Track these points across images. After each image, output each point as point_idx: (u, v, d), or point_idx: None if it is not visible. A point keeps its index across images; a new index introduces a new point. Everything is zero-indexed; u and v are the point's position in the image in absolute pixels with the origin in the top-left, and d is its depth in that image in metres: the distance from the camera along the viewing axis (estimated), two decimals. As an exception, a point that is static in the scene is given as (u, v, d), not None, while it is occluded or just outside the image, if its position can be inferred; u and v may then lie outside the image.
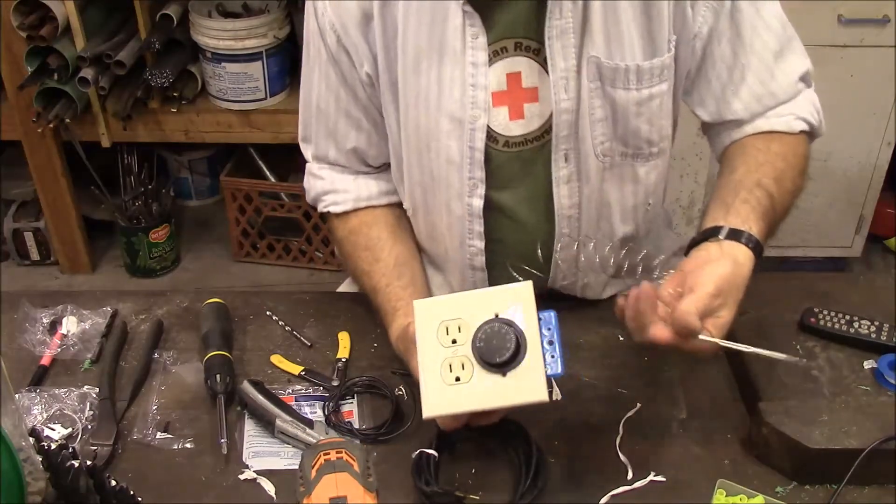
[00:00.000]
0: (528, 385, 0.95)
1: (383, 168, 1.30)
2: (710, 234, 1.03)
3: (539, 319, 0.96)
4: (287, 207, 2.82)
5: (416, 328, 0.99)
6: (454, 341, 0.97)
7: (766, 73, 1.16)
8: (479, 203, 1.19)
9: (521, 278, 1.06)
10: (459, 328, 0.97)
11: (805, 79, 1.20)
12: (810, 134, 1.20)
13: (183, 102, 2.60)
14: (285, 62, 2.64)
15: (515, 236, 1.24)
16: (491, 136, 1.16)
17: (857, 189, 2.66)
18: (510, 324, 0.95)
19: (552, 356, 0.95)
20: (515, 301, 0.97)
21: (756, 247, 1.01)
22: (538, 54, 1.13)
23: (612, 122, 1.15)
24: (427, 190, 1.23)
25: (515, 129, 1.16)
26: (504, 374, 0.95)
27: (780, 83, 1.17)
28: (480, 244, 1.23)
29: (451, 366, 0.96)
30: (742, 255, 1.00)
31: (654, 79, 1.13)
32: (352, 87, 1.21)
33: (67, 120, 2.52)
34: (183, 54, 2.59)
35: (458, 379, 0.96)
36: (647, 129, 1.17)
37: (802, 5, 2.35)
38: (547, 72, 1.12)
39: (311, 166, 1.32)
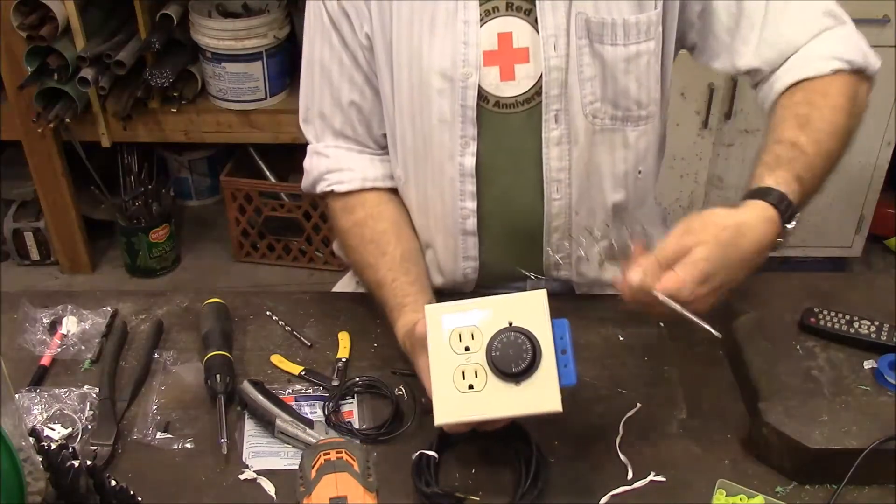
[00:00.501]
0: (542, 395, 0.95)
1: (386, 150, 1.30)
2: None
3: (552, 328, 0.96)
4: (287, 207, 2.82)
5: (428, 334, 0.99)
6: (467, 348, 0.97)
7: (778, 16, 1.15)
8: (471, 161, 1.21)
9: (528, 275, 1.06)
10: (472, 335, 0.97)
11: (834, 14, 1.16)
12: (857, 71, 1.14)
13: (183, 102, 2.60)
14: (285, 62, 2.64)
15: (505, 203, 1.25)
16: (482, 95, 1.18)
17: (857, 189, 2.66)
18: (525, 333, 0.95)
19: (565, 365, 0.95)
20: (529, 309, 0.97)
21: (770, 195, 0.99)
22: (529, 14, 1.16)
23: (601, 81, 1.17)
24: (419, 154, 1.24)
25: (507, 89, 1.18)
26: (518, 384, 0.95)
27: (792, 26, 1.15)
28: (472, 205, 1.24)
29: (464, 373, 0.96)
30: (748, 204, 0.99)
31: (642, 35, 1.15)
32: (353, 51, 1.23)
33: (67, 120, 2.52)
34: (183, 54, 2.59)
35: (471, 387, 0.96)
36: (635, 89, 1.18)
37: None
38: (538, 32, 1.15)
39: (316, 146, 1.31)
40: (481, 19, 1.16)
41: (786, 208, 1.00)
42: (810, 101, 1.11)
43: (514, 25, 1.16)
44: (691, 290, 0.93)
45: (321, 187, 1.30)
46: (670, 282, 0.92)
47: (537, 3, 1.14)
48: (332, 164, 1.29)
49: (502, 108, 1.19)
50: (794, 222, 1.01)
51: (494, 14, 1.16)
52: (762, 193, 1.01)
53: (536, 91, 1.18)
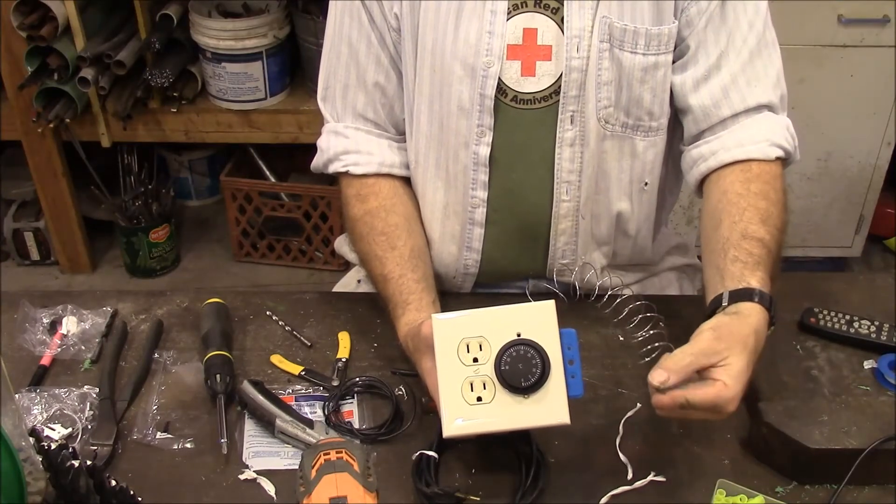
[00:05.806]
0: (550, 408, 0.95)
1: (405, 137, 1.30)
2: (715, 307, 1.02)
3: (560, 338, 0.96)
4: (287, 207, 2.82)
5: (436, 344, 0.98)
6: (475, 360, 0.97)
7: (742, 77, 1.17)
8: (485, 151, 1.22)
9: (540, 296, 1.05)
10: (480, 346, 0.97)
11: (781, 104, 1.20)
12: (785, 160, 1.20)
13: (183, 102, 2.60)
14: (285, 62, 2.64)
15: (514, 198, 1.25)
16: (501, 89, 1.19)
17: (857, 189, 2.66)
18: (534, 346, 0.95)
19: (573, 376, 0.96)
20: (538, 320, 0.97)
21: (759, 297, 1.01)
22: (556, 13, 1.17)
23: (616, 87, 1.19)
24: (434, 139, 1.24)
25: (526, 85, 1.19)
26: (526, 397, 0.95)
27: (749, 86, 1.17)
28: (483, 194, 1.25)
29: (472, 385, 0.96)
30: (746, 308, 1.00)
31: (662, 47, 1.17)
32: (381, 31, 1.24)
33: (67, 120, 2.52)
34: (183, 54, 2.59)
35: (479, 399, 0.96)
36: (649, 100, 1.20)
37: (802, 5, 2.35)
38: (563, 31, 1.16)
39: (335, 126, 1.30)
40: (509, 12, 1.17)
41: (773, 310, 1.02)
42: (766, 195, 1.13)
43: (541, 22, 1.17)
44: (739, 400, 0.93)
45: (335, 167, 1.30)
46: (729, 393, 0.92)
47: (565, 2, 1.16)
48: (351, 145, 1.28)
49: (519, 104, 1.20)
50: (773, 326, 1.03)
51: (522, 9, 1.17)
52: (750, 295, 1.01)
53: (555, 90, 1.19)
